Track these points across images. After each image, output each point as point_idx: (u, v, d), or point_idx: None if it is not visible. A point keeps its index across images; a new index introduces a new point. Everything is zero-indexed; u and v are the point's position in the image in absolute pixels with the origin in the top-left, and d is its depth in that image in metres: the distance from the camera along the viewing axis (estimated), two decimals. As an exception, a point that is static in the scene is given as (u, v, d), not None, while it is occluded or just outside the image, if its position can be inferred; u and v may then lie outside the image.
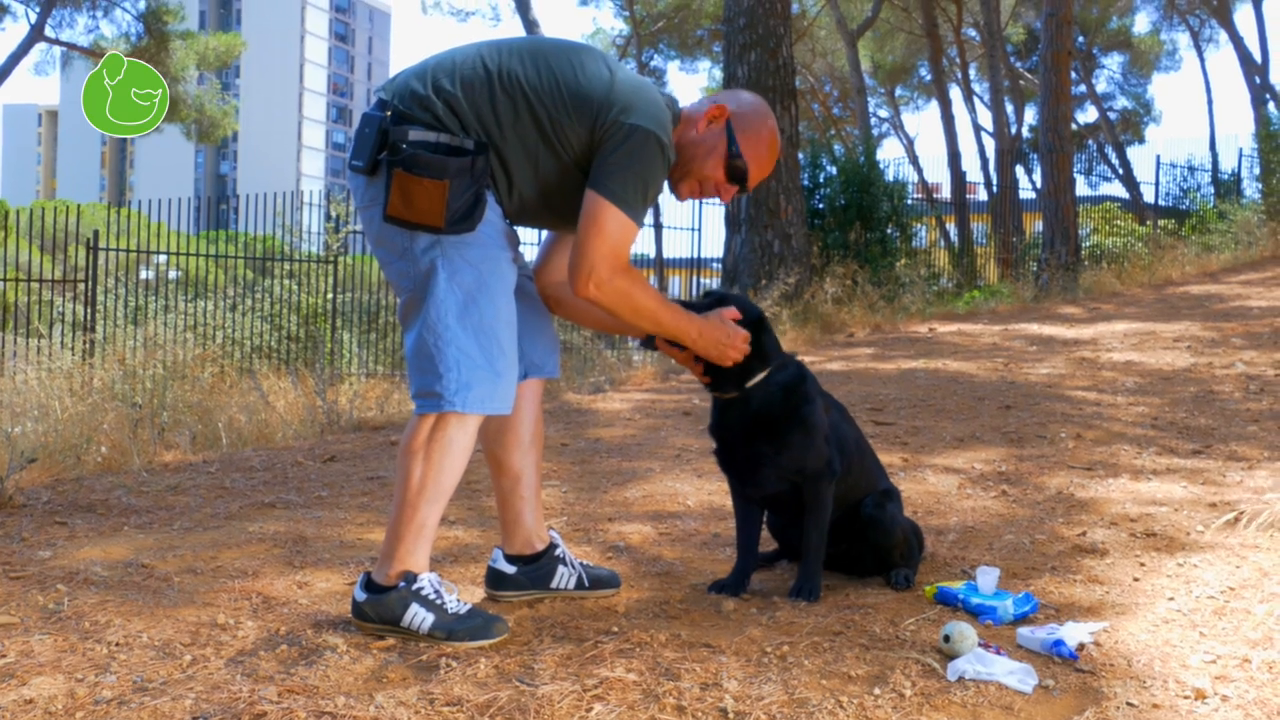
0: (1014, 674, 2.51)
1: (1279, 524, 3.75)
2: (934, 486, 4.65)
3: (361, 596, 2.76)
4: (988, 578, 3.08)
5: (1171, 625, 2.90)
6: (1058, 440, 5.53)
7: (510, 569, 3.10)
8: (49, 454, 5.42)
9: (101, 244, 12.92)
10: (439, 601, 2.73)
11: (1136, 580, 3.31)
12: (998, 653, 2.62)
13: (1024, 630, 2.79)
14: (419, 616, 2.70)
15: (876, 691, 2.43)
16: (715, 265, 15.51)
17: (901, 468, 4.97)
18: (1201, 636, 2.81)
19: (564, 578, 3.12)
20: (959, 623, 2.66)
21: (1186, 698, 2.43)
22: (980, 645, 2.64)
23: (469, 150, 2.67)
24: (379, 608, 2.73)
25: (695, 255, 17.11)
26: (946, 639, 2.64)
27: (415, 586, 2.72)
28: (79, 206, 16.84)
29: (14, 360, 9.50)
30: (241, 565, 3.40)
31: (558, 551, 3.13)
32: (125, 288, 13.20)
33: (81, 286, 12.62)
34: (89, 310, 12.03)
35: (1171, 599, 3.12)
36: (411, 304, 2.74)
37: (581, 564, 3.18)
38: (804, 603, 3.07)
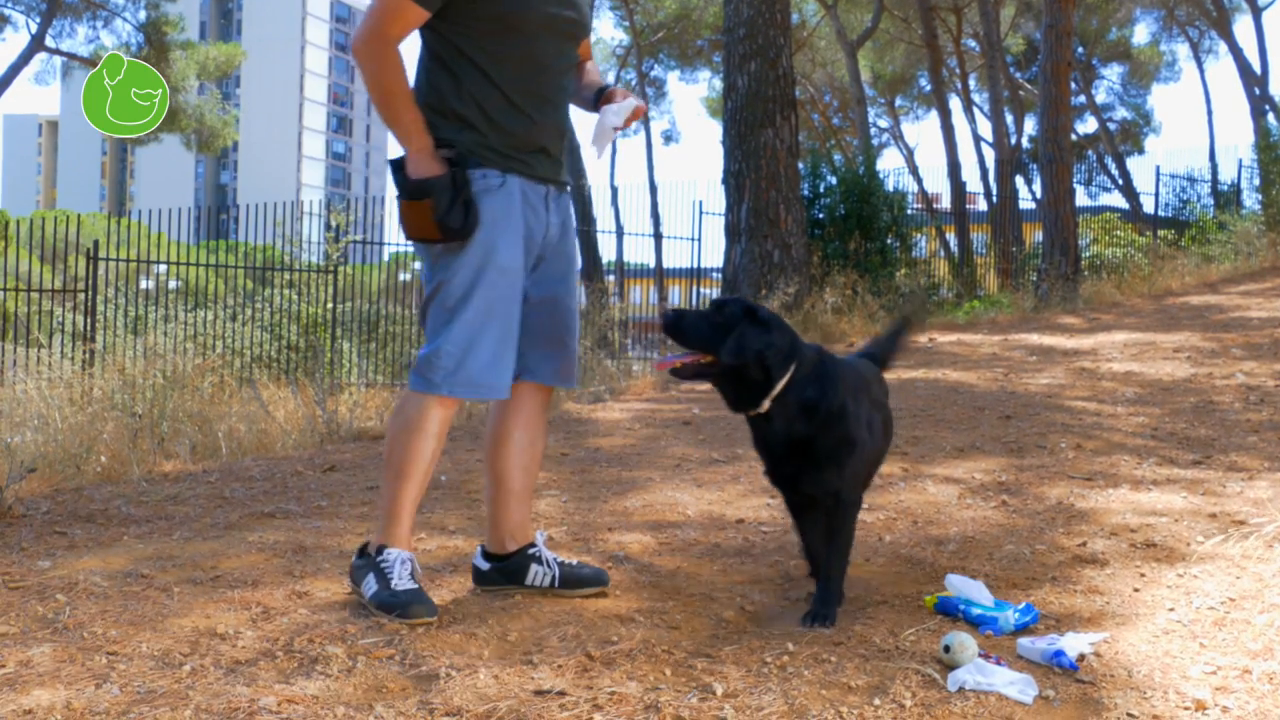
0: (1014, 684, 2.50)
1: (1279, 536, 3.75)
2: (934, 496, 4.65)
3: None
4: (964, 586, 3.10)
5: (1172, 636, 2.90)
6: (1058, 450, 5.53)
7: (485, 565, 3.28)
8: (48, 464, 5.42)
9: (101, 254, 12.94)
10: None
11: (1137, 591, 3.31)
12: (998, 663, 2.62)
13: (1024, 641, 2.79)
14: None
15: (877, 702, 2.43)
16: (715, 275, 15.53)
17: (901, 477, 4.97)
18: (1202, 647, 2.81)
19: (538, 575, 3.23)
20: (959, 633, 2.66)
21: (1187, 709, 2.43)
22: (980, 656, 2.63)
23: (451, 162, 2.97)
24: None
25: (695, 265, 17.14)
26: (947, 649, 2.64)
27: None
28: (79, 216, 16.86)
29: (14, 370, 9.50)
30: (241, 575, 3.40)
31: (532, 550, 3.24)
32: (125, 297, 13.21)
33: (81, 296, 12.63)
34: (89, 320, 12.03)
35: (1172, 610, 3.12)
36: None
37: (562, 563, 3.26)
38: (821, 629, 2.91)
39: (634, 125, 3.29)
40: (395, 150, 3.05)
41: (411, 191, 2.93)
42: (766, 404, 2.93)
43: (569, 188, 3.31)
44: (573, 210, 3.35)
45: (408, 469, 3.05)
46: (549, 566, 3.23)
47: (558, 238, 3.20)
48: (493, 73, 3.00)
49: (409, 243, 3.06)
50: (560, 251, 3.22)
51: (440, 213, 2.91)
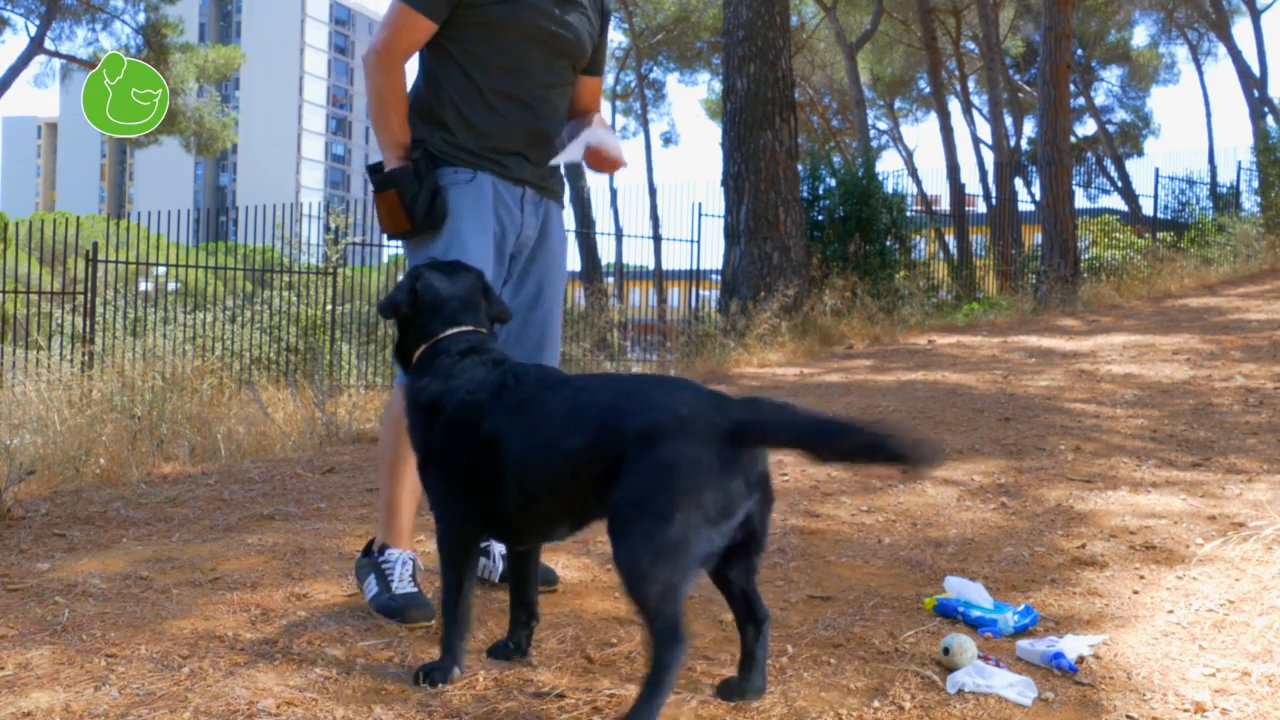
0: (1013, 686, 2.50)
1: (1279, 538, 3.75)
2: (933, 498, 4.65)
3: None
4: (963, 588, 3.10)
5: (1171, 638, 2.90)
6: (1057, 452, 5.53)
7: None
8: (47, 466, 5.41)
9: (101, 256, 12.94)
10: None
11: (1136, 593, 3.31)
12: (997, 665, 2.62)
13: (1023, 643, 2.79)
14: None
15: (876, 704, 2.43)
16: (714, 277, 15.52)
17: (900, 479, 4.97)
18: (1201, 649, 2.81)
19: (483, 568, 3.34)
20: (959, 635, 2.66)
21: (1186, 711, 2.43)
22: (980, 658, 2.63)
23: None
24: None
25: (694, 267, 17.13)
26: (946, 651, 2.64)
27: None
28: (78, 218, 16.86)
29: (13, 372, 9.50)
30: (240, 577, 3.40)
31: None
32: (124, 299, 13.20)
33: (80, 298, 12.63)
34: (88, 322, 12.03)
35: (1171, 612, 3.12)
36: None
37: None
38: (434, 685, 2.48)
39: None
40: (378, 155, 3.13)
41: (379, 184, 3.05)
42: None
43: (562, 198, 3.34)
44: (561, 220, 3.35)
45: (400, 465, 3.12)
46: (493, 561, 3.33)
47: (536, 241, 3.24)
48: (475, 73, 3.10)
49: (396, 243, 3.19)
50: (540, 259, 3.25)
51: (407, 200, 3.01)
